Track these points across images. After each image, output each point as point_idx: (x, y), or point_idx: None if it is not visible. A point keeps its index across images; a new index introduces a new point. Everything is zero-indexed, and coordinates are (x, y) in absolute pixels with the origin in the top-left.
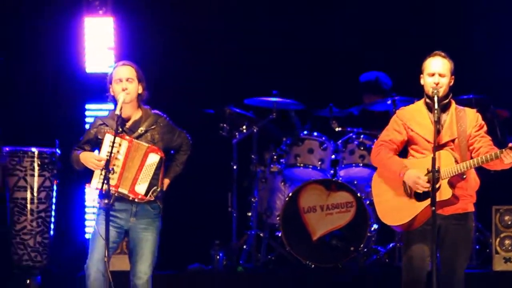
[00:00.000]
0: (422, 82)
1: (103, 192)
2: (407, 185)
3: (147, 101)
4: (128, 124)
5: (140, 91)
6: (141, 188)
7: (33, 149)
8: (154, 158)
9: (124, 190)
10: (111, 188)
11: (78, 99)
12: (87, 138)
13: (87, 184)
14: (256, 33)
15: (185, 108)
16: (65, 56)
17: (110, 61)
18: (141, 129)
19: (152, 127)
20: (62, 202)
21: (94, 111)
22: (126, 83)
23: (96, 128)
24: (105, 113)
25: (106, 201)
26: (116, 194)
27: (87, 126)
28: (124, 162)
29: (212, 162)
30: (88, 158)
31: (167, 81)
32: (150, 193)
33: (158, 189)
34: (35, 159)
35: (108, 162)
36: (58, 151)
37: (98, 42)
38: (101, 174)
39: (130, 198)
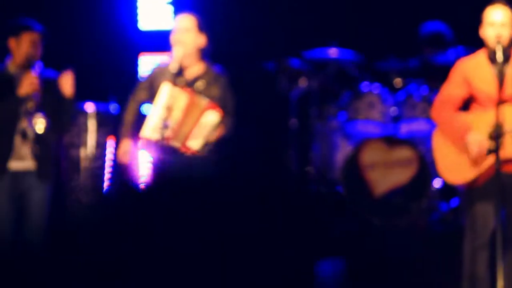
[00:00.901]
0: (482, 33)
1: (159, 142)
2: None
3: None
4: (187, 77)
5: (200, 43)
6: (194, 143)
7: (88, 106)
8: (211, 115)
9: (176, 143)
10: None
11: (133, 55)
12: (141, 87)
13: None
14: None
15: (243, 62)
16: (119, 11)
17: (168, 17)
18: (200, 84)
19: (212, 84)
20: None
21: (148, 66)
22: (181, 34)
23: (153, 76)
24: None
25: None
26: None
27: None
28: (181, 116)
29: (270, 117)
30: (123, 147)
31: (224, 35)
32: (203, 147)
33: (212, 144)
34: (90, 116)
35: (167, 113)
36: (113, 107)
37: None
38: (157, 125)
39: (182, 151)
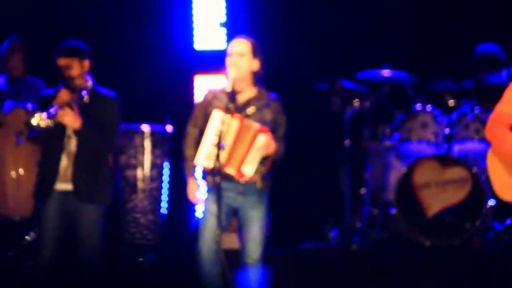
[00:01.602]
0: None
1: (214, 170)
2: None
3: (264, 79)
4: (240, 101)
5: (254, 67)
6: (248, 169)
7: (144, 127)
8: (263, 139)
9: (231, 170)
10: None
11: (188, 76)
12: (198, 113)
13: (194, 161)
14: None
15: (297, 83)
16: (173, 32)
17: (221, 37)
18: (252, 108)
19: (264, 108)
20: (173, 179)
21: (203, 87)
22: (235, 57)
23: (206, 102)
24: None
25: (217, 179)
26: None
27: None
28: (233, 141)
29: (324, 138)
30: (190, 187)
31: (278, 56)
32: (256, 173)
33: (264, 170)
34: (146, 137)
35: (219, 139)
36: (169, 128)
37: (208, 18)
38: (210, 152)
39: (236, 179)
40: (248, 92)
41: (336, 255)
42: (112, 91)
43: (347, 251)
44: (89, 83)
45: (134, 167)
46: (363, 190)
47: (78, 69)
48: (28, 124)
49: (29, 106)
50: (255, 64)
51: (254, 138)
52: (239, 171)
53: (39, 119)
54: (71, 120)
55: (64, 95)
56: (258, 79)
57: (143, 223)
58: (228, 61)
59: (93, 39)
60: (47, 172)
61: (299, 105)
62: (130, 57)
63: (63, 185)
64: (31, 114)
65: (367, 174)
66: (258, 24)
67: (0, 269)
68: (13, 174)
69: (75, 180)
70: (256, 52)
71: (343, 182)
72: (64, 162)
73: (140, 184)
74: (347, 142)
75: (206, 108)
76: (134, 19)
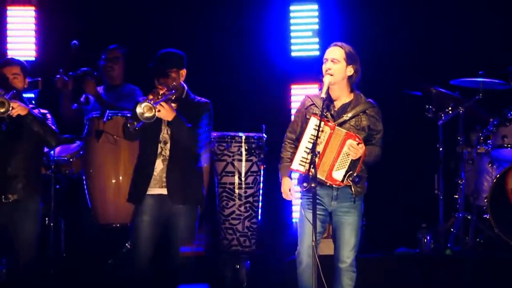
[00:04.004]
0: None
1: (309, 176)
2: None
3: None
4: (336, 108)
5: (350, 73)
6: (338, 174)
7: (241, 134)
8: (352, 144)
9: (321, 177)
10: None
11: (284, 83)
12: (296, 119)
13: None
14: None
15: (391, 90)
16: (270, 40)
17: (314, 45)
18: (348, 115)
19: (360, 114)
20: (269, 186)
21: (300, 96)
22: (330, 63)
23: (304, 107)
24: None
25: (313, 184)
26: None
27: (293, 111)
28: (324, 148)
29: (418, 144)
30: (284, 185)
31: (372, 63)
32: (346, 178)
33: (355, 174)
34: (243, 144)
35: (314, 146)
36: (264, 135)
37: (303, 26)
38: (305, 157)
39: (328, 184)
40: (344, 98)
41: (430, 261)
42: (207, 99)
43: (441, 256)
44: (185, 91)
45: (231, 174)
46: (457, 196)
47: (176, 78)
48: (133, 114)
49: (128, 115)
50: (350, 70)
51: (343, 143)
52: (329, 176)
53: (142, 106)
54: (166, 111)
55: (160, 90)
56: (355, 85)
57: (240, 230)
58: (323, 67)
59: (191, 48)
60: (141, 176)
61: (393, 112)
62: (226, 65)
63: (158, 190)
64: (130, 121)
65: (461, 179)
66: (352, 31)
67: (101, 276)
68: (113, 181)
69: (170, 184)
70: (351, 58)
71: (437, 187)
72: (159, 166)
73: (237, 191)
74: (441, 148)
75: (304, 113)
76: (231, 28)
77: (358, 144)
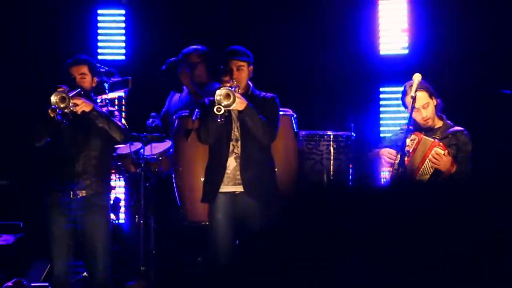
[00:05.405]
0: None
1: (396, 175)
2: None
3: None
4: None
5: (435, 104)
6: (421, 180)
7: (329, 133)
8: (437, 153)
9: None
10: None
11: (373, 82)
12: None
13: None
14: None
15: (480, 88)
16: (359, 38)
17: (404, 43)
18: (438, 136)
19: (449, 136)
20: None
21: (388, 94)
22: (424, 111)
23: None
24: (398, 96)
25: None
26: None
27: (381, 109)
28: (410, 154)
29: (508, 144)
30: (384, 151)
31: (461, 61)
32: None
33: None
34: (331, 143)
35: (403, 149)
36: (353, 134)
37: (392, 24)
38: (396, 159)
39: None
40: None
41: None
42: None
43: None
44: (250, 87)
45: (320, 173)
46: None
47: (246, 72)
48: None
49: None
50: (434, 102)
51: (429, 150)
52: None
53: (220, 93)
54: (239, 101)
55: (227, 80)
56: (440, 112)
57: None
58: (417, 116)
59: (281, 47)
60: (214, 175)
61: (483, 111)
62: (315, 63)
63: (232, 188)
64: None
65: None
66: (440, 29)
67: (190, 274)
68: (201, 179)
69: (244, 180)
70: (432, 92)
71: None
72: (232, 164)
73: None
74: None
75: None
76: (321, 26)
77: (443, 153)
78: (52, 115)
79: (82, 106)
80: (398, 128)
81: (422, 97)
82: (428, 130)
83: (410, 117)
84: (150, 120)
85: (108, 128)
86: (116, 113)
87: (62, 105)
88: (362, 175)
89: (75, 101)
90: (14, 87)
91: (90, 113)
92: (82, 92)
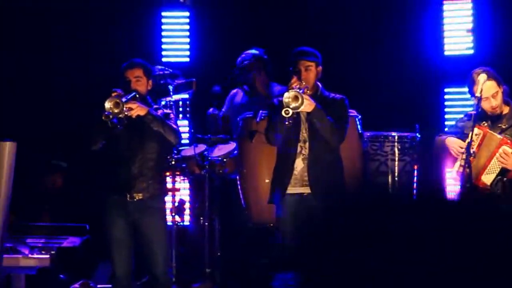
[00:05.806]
0: None
1: (464, 175)
2: None
3: None
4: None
5: (501, 91)
6: (487, 178)
7: (394, 134)
8: (506, 151)
9: (472, 177)
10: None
11: (437, 82)
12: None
13: (446, 169)
14: None
15: None
16: (423, 39)
17: (468, 43)
18: (505, 125)
19: None
20: (421, 186)
21: (453, 94)
22: (493, 100)
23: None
24: (463, 96)
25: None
26: None
27: (446, 110)
28: (476, 150)
29: None
30: (452, 143)
31: None
32: (494, 183)
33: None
34: (396, 144)
35: (468, 147)
36: (418, 135)
37: (457, 24)
38: (462, 158)
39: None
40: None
41: None
42: (342, 94)
43: None
44: (319, 88)
45: (385, 174)
46: None
47: (314, 73)
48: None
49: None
50: (501, 89)
51: (497, 149)
52: (479, 179)
53: (289, 96)
54: (307, 102)
55: (294, 82)
56: (506, 98)
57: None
58: (485, 105)
59: (346, 47)
60: (282, 176)
61: None
62: (380, 63)
63: (299, 189)
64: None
65: None
66: (505, 28)
67: (254, 276)
68: (266, 181)
69: (312, 182)
70: (500, 81)
71: None
72: (300, 166)
73: (390, 191)
74: None
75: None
76: (387, 27)
77: (511, 152)
78: (106, 120)
79: (137, 110)
80: (463, 115)
81: (491, 86)
82: (495, 118)
83: (477, 107)
84: (211, 109)
85: (163, 131)
86: (172, 115)
87: (116, 111)
88: (428, 181)
89: (129, 105)
90: (79, 90)
91: (145, 117)
92: (137, 96)
